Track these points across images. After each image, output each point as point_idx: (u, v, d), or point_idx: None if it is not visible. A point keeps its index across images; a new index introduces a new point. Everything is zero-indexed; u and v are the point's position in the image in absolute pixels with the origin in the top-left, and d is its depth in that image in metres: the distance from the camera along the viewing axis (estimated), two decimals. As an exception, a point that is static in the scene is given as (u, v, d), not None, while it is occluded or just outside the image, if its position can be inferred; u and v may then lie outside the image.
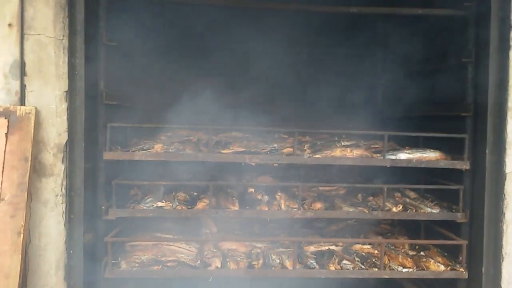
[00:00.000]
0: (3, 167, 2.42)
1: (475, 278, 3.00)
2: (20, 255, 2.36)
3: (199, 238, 3.17)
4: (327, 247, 3.36)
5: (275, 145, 3.22)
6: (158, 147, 2.91)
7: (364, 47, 4.49)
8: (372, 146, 3.49)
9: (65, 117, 2.61)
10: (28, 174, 2.45)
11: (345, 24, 4.22)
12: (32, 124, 2.49)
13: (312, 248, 3.35)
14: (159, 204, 3.03)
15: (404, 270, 3.04)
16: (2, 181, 2.41)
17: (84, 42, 2.65)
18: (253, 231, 3.56)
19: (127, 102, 3.29)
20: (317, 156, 3.04)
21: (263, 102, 4.29)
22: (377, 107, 4.61)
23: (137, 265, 2.93)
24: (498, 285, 2.89)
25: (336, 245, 3.38)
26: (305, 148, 3.12)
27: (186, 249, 3.19)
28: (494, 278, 2.90)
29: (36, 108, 2.54)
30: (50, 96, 2.58)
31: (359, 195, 3.48)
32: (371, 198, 3.42)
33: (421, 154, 3.11)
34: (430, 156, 3.12)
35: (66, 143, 2.62)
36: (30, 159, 2.46)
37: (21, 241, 2.37)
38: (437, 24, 3.53)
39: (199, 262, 2.97)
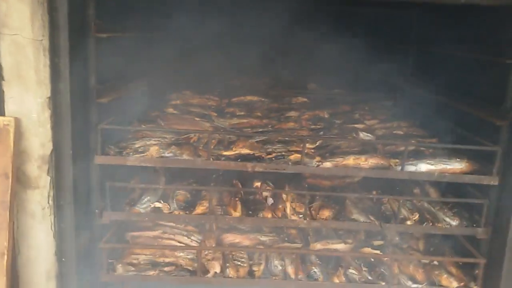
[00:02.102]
0: (-17, 183, 2.27)
1: (489, 299, 2.81)
2: (4, 277, 2.27)
3: (196, 245, 3.01)
4: (334, 247, 3.19)
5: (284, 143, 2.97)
6: (153, 150, 2.68)
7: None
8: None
9: (48, 126, 2.39)
10: (9, 191, 2.29)
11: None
12: (12, 138, 2.29)
13: (318, 246, 3.18)
14: (157, 204, 2.88)
15: (413, 286, 2.87)
16: (-18, 199, 2.26)
17: (69, 38, 2.35)
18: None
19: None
20: (327, 164, 2.76)
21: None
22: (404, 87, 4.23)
23: (133, 268, 2.85)
24: (513, 311, 2.71)
25: (345, 243, 3.22)
26: (312, 153, 2.83)
27: (186, 243, 3.08)
28: (510, 303, 2.71)
29: (16, 118, 2.31)
30: (31, 103, 2.34)
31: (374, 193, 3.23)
32: (385, 200, 3.18)
33: (444, 166, 2.79)
34: (454, 168, 2.80)
35: (51, 153, 2.42)
36: (11, 175, 2.29)
37: (5, 263, 2.28)
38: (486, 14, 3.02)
39: (197, 265, 2.86)
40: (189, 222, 2.98)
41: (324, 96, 4.38)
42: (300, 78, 4.60)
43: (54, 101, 2.38)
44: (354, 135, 3.17)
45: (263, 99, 4.13)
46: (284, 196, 3.07)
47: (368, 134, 3.27)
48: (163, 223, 3.22)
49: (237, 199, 3.02)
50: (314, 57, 4.39)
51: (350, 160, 2.77)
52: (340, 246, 3.16)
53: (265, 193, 3.11)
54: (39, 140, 2.38)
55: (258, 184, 3.21)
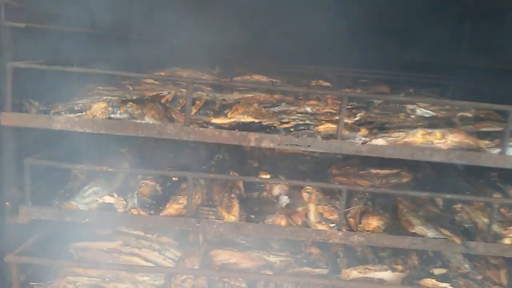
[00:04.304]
0: None
1: None
2: None
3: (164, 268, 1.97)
4: (377, 275, 2.14)
5: (307, 114, 1.94)
6: (97, 108, 1.64)
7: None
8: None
9: None
10: None
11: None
12: None
13: (354, 274, 2.13)
14: (107, 199, 1.84)
15: None
16: None
17: None
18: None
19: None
20: (378, 141, 1.70)
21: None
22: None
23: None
24: None
25: (393, 270, 2.16)
26: (353, 123, 1.79)
27: (156, 262, 2.05)
28: None
29: None
30: None
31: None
32: (458, 206, 2.10)
33: None
34: None
35: None
36: None
37: None
38: None
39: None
40: (155, 226, 1.91)
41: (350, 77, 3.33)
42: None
43: None
44: (411, 108, 2.12)
45: (273, 80, 3.09)
46: (306, 194, 2.01)
47: (428, 111, 2.24)
48: (126, 231, 2.21)
49: (233, 196, 1.97)
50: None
51: (417, 137, 1.72)
52: (386, 275, 2.12)
53: (276, 189, 2.06)
54: None
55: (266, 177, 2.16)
